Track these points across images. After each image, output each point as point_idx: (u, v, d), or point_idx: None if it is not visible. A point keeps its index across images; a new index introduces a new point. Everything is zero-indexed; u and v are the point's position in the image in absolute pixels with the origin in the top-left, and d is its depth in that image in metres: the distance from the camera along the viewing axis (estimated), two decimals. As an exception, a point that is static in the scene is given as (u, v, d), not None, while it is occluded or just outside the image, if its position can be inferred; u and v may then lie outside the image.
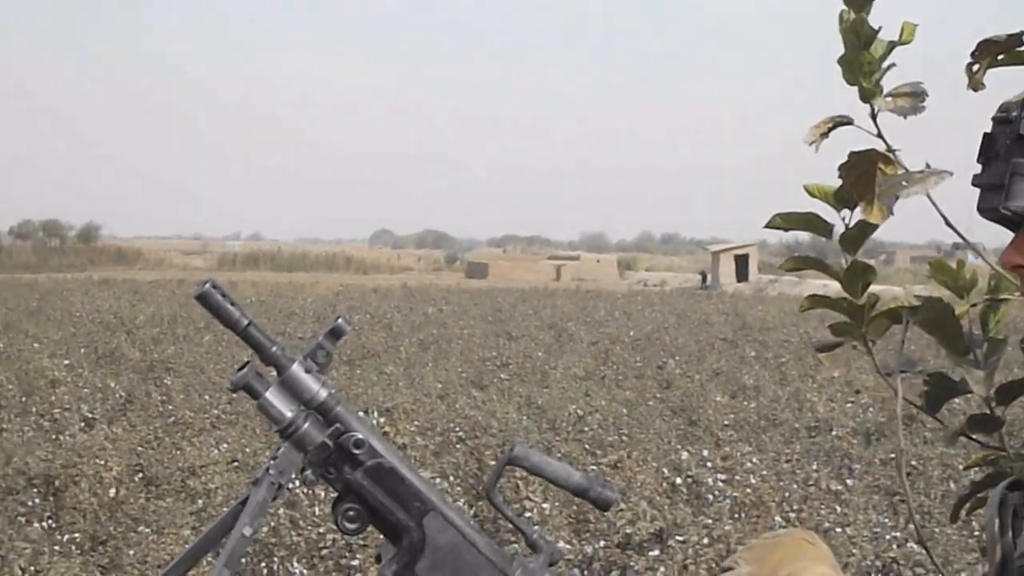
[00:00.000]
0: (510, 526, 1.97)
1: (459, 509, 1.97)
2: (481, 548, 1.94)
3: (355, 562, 10.89)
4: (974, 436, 3.06)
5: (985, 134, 1.90)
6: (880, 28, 2.56)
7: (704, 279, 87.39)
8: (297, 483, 2.03)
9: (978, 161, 1.88)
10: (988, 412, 2.99)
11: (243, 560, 11.23)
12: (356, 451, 1.91)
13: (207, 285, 1.86)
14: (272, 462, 1.90)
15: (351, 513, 1.93)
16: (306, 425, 1.90)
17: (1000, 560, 1.74)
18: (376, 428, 2.01)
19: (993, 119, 1.85)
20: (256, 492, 1.88)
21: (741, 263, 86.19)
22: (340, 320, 1.95)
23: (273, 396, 1.91)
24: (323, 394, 1.93)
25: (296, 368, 1.92)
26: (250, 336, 1.90)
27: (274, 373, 1.93)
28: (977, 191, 1.86)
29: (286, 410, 1.90)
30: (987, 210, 1.85)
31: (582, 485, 2.00)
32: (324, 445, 1.91)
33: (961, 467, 13.54)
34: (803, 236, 2.93)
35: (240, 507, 1.89)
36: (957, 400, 3.14)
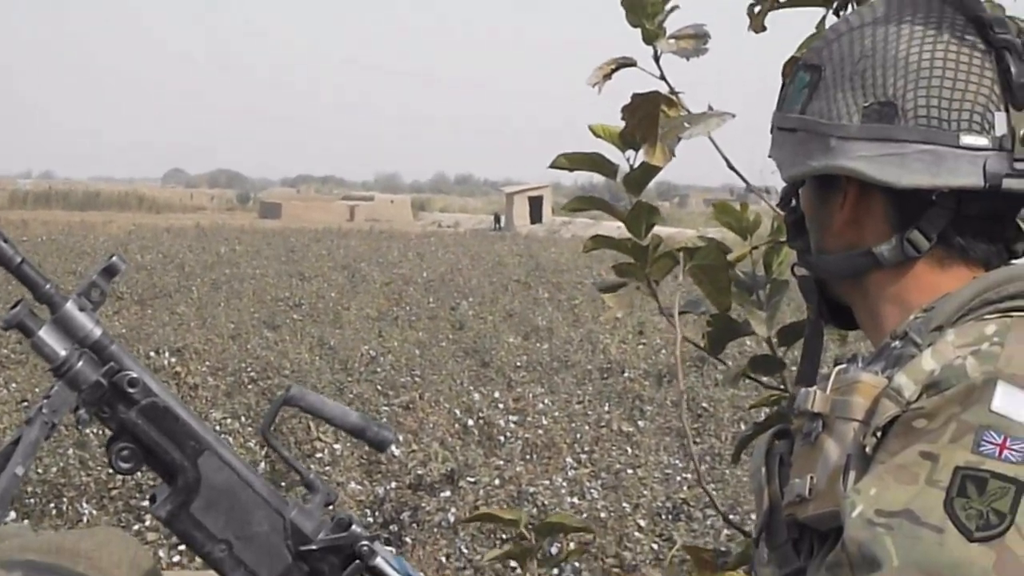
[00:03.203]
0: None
1: (234, 450, 1.95)
2: (256, 488, 1.92)
3: (144, 503, 10.76)
4: (757, 377, 3.11)
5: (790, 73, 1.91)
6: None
7: (497, 220, 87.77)
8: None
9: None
10: (771, 353, 3.04)
11: (32, 501, 11.06)
12: (130, 390, 1.87)
13: None
14: (45, 401, 1.85)
15: (125, 452, 1.89)
16: (80, 364, 1.86)
17: (768, 509, 1.77)
18: (149, 368, 1.96)
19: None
20: (29, 431, 1.84)
21: (535, 205, 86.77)
22: (115, 258, 1.90)
23: (46, 334, 1.86)
24: (97, 332, 1.88)
25: (70, 306, 1.87)
26: (23, 274, 1.85)
27: (49, 312, 1.88)
28: (768, 135, 1.88)
29: (60, 348, 1.86)
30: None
31: (358, 425, 1.99)
32: (98, 384, 1.86)
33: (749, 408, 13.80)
34: (598, 178, 2.94)
35: (12, 447, 1.84)
36: (750, 341, 3.19)
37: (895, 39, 1.73)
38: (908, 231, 1.73)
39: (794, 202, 1.90)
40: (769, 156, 1.87)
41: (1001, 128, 1.68)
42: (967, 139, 1.68)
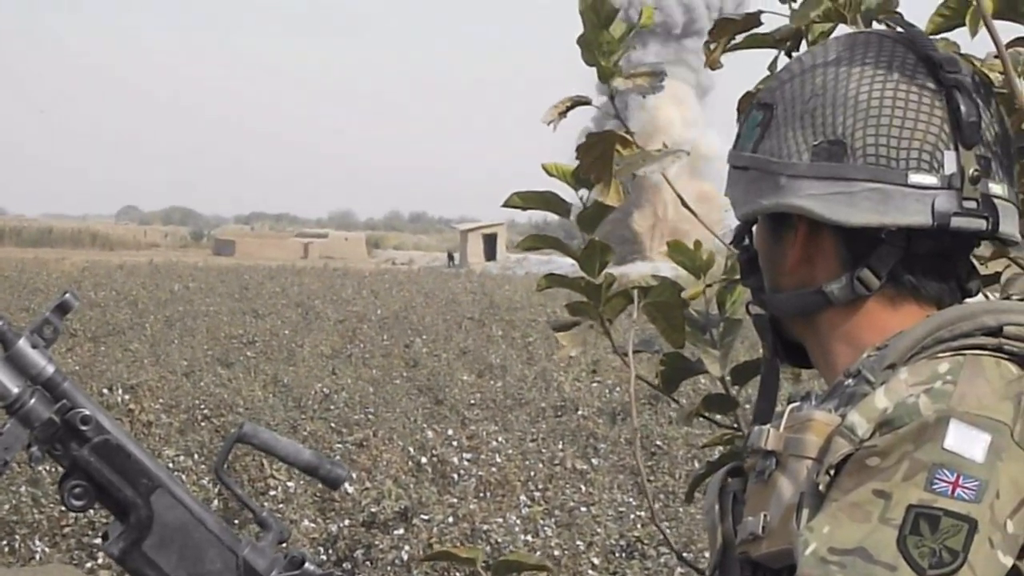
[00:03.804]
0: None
1: (187, 487, 1.94)
2: (209, 526, 1.91)
3: (97, 540, 10.69)
4: (711, 415, 3.11)
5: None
6: (619, 9, 2.58)
7: (451, 258, 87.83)
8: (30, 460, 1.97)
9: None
10: (724, 392, 3.04)
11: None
12: (83, 427, 1.86)
13: None
14: (-3, 438, 1.84)
15: (77, 490, 1.88)
16: (32, 401, 1.85)
17: (721, 546, 1.77)
18: (102, 406, 1.95)
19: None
20: (-20, 468, 1.83)
21: (489, 242, 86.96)
22: (68, 295, 1.90)
23: (-2, 371, 1.85)
24: (50, 369, 1.87)
25: (22, 343, 1.86)
26: None
27: (1, 349, 1.87)
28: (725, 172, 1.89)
29: (12, 386, 1.85)
30: None
31: (312, 463, 1.98)
32: (51, 421, 1.86)
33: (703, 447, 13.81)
34: (552, 216, 2.94)
35: None
36: (703, 379, 3.19)
37: (845, 78, 1.74)
38: (858, 269, 1.73)
39: (747, 240, 1.91)
40: (724, 194, 1.88)
41: (951, 167, 1.69)
42: (915, 177, 1.69)
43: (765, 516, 1.63)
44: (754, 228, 1.88)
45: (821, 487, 1.57)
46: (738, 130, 1.87)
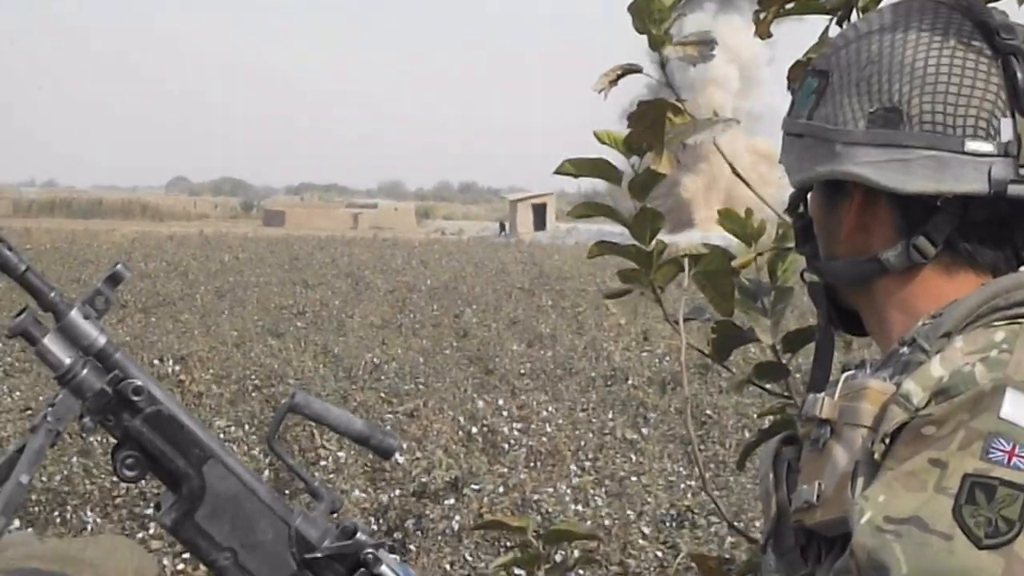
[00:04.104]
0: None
1: (238, 458, 1.95)
2: (261, 496, 1.92)
3: (148, 511, 10.74)
4: (762, 384, 3.10)
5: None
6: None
7: (503, 227, 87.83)
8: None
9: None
10: (775, 360, 3.03)
11: (36, 509, 11.05)
12: (135, 398, 1.87)
13: None
14: (50, 409, 1.86)
15: (130, 460, 1.90)
16: (84, 372, 1.86)
17: (775, 515, 1.77)
18: (153, 376, 1.96)
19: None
20: (33, 439, 1.84)
21: (539, 212, 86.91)
22: (119, 266, 1.91)
23: (51, 342, 1.87)
24: (102, 340, 1.89)
25: (75, 314, 1.88)
26: (28, 282, 1.86)
27: (54, 320, 1.88)
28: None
29: (64, 356, 1.87)
30: None
31: (364, 433, 1.99)
32: (103, 392, 1.87)
33: (755, 416, 13.77)
34: (600, 185, 2.94)
35: (17, 455, 1.85)
36: (754, 348, 3.18)
37: (901, 45, 1.72)
38: (914, 237, 1.72)
39: (802, 208, 1.89)
40: (779, 161, 1.87)
41: (1007, 134, 1.68)
42: (972, 145, 1.67)
43: (820, 485, 1.62)
44: (809, 195, 1.87)
45: (876, 456, 1.56)
46: (793, 97, 1.86)
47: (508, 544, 9.66)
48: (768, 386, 3.10)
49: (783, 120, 1.87)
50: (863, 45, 1.77)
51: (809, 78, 1.83)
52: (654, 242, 2.91)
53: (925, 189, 1.67)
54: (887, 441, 1.56)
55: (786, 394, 3.06)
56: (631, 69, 2.62)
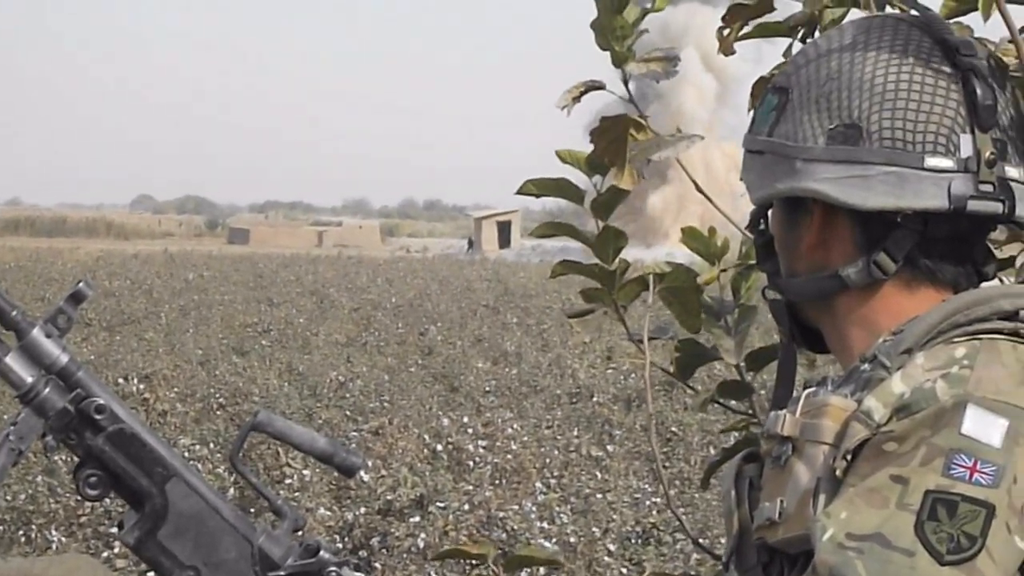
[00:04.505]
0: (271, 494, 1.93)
1: (202, 476, 1.94)
2: (224, 514, 1.91)
3: (113, 530, 10.70)
4: (726, 402, 3.11)
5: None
6: (633, -7, 2.56)
7: (471, 244, 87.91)
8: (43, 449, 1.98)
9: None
10: (739, 378, 3.04)
11: (0, 528, 11.00)
12: (97, 417, 1.86)
13: None
14: (12, 428, 1.85)
15: (92, 479, 1.88)
16: (47, 390, 1.85)
17: (738, 532, 1.77)
18: (116, 395, 1.95)
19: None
20: (-5, 459, 1.83)
21: (503, 229, 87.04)
22: (82, 284, 1.90)
23: (13, 361, 1.85)
24: (64, 359, 1.87)
25: (36, 332, 1.86)
26: None
27: (16, 339, 1.87)
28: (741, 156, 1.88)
29: (27, 375, 1.85)
30: None
31: (327, 451, 1.98)
32: (65, 410, 1.86)
33: (719, 432, 13.80)
34: (566, 204, 2.94)
35: None
36: (718, 365, 3.18)
37: (861, 62, 1.73)
38: (875, 253, 1.73)
39: (763, 225, 1.90)
40: (740, 179, 1.87)
41: (967, 150, 1.68)
42: (932, 161, 1.68)
43: (782, 502, 1.62)
44: (770, 212, 1.88)
45: (838, 472, 1.57)
46: (753, 114, 1.87)
47: (473, 563, 9.65)
48: (732, 404, 3.10)
49: (744, 137, 1.87)
50: (823, 62, 1.77)
51: (769, 95, 1.83)
52: (617, 260, 2.91)
53: (885, 205, 1.68)
54: (849, 458, 1.57)
55: (750, 412, 3.07)
56: (594, 86, 2.62)
